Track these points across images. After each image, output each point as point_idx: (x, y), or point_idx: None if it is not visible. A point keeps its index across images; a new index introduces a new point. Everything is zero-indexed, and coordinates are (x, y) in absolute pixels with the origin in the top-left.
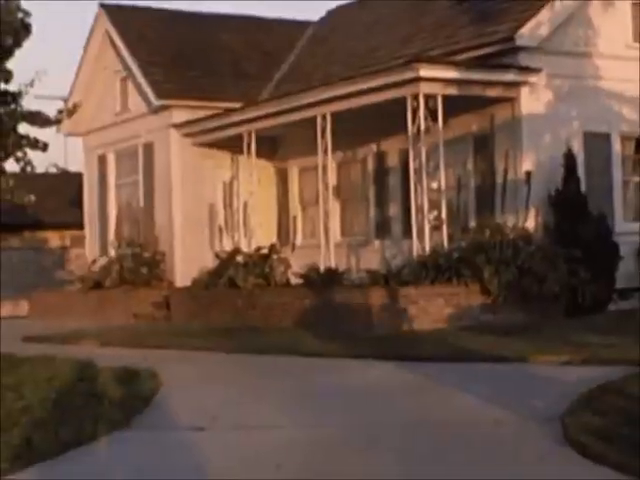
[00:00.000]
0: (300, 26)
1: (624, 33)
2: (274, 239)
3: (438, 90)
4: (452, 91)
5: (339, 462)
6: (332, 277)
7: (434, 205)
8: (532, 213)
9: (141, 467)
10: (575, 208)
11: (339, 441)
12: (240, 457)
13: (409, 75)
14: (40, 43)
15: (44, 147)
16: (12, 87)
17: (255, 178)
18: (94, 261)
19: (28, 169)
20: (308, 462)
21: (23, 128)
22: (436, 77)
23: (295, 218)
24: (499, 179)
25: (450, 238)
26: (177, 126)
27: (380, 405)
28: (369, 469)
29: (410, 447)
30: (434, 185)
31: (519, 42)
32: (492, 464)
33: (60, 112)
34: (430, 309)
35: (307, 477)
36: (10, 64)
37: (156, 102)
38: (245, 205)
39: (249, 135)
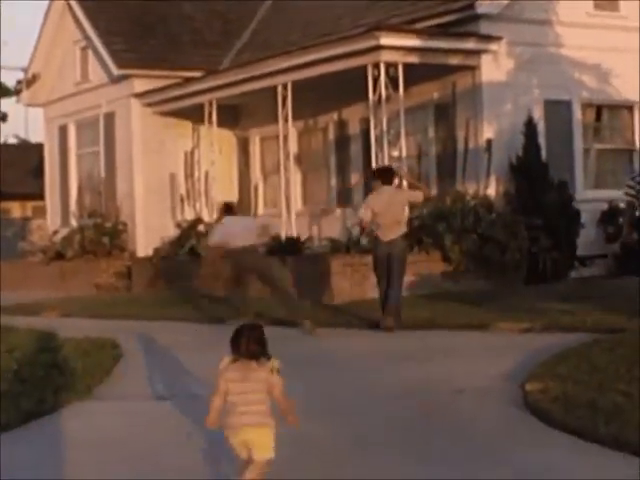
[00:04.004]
0: None
1: (585, 1)
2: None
3: (399, 58)
4: (413, 59)
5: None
6: (293, 246)
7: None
8: (493, 181)
9: (103, 437)
10: (536, 176)
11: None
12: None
13: (370, 43)
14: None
15: (4, 117)
16: None
17: (216, 147)
18: (55, 232)
19: None
20: None
21: None
22: (397, 45)
23: (257, 187)
24: (460, 147)
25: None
26: (138, 96)
27: (335, 373)
28: (320, 435)
29: (363, 417)
30: (395, 153)
31: (480, 10)
32: (451, 432)
33: (19, 82)
34: None
35: None
36: None
37: (116, 72)
38: (206, 174)
39: (210, 104)
